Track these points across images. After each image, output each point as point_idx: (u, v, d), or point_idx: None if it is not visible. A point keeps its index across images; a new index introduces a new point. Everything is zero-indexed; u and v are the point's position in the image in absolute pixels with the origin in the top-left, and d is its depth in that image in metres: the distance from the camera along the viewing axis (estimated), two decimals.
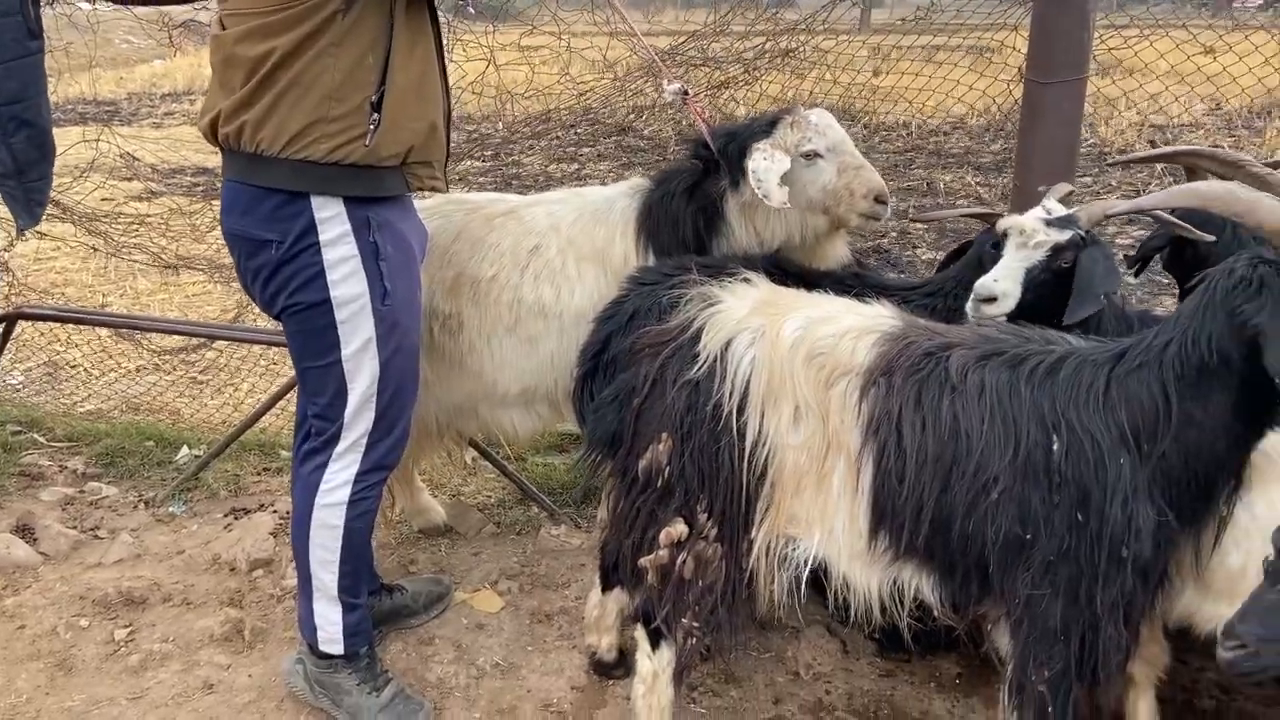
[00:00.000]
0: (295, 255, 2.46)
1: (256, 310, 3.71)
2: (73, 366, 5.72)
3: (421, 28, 2.50)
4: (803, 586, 2.41)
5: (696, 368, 2.40)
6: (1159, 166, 7.01)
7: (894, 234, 7.20)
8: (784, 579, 2.44)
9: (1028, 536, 2.18)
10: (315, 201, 2.43)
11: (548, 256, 3.02)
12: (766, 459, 2.37)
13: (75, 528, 3.91)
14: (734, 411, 2.36)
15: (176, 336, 5.08)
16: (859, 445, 2.29)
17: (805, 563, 2.40)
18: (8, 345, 4.51)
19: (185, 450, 4.47)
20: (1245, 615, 1.71)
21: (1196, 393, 2.05)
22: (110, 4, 4.07)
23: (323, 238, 2.44)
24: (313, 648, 2.82)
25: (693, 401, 2.40)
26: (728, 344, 2.40)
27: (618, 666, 2.99)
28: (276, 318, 2.63)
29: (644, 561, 2.49)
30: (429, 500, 3.79)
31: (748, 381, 2.36)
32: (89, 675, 3.08)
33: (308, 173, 2.41)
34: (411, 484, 3.73)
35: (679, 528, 2.44)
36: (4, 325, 4.31)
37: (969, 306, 2.58)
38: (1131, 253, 2.98)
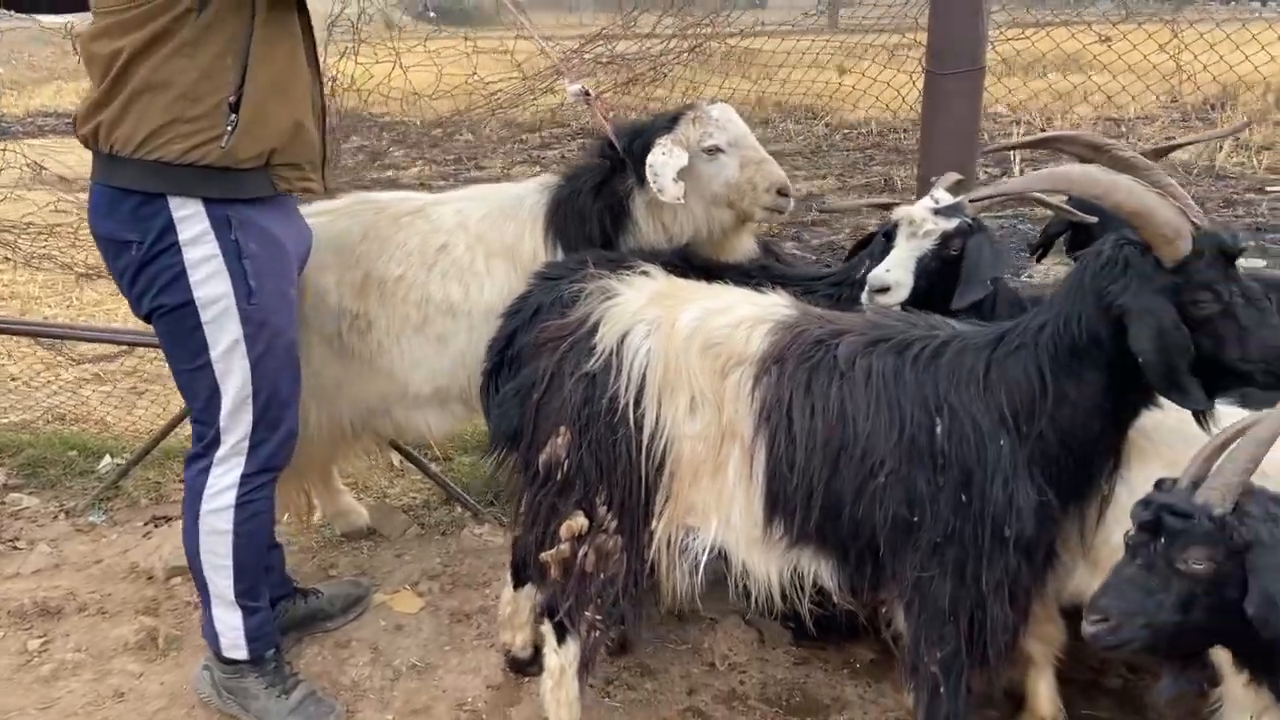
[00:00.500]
0: (156, 256, 2.43)
1: None
2: (13, 379, 5.62)
3: (287, 27, 2.47)
4: (700, 575, 2.42)
5: (593, 360, 2.41)
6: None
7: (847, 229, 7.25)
8: (685, 569, 2.46)
9: (915, 519, 2.21)
10: (173, 201, 2.40)
11: (455, 254, 3.02)
12: (664, 450, 2.39)
13: None
14: (631, 403, 2.38)
15: (109, 345, 5.01)
16: (752, 433, 2.31)
17: (704, 552, 2.42)
18: None
19: (108, 459, 4.41)
20: (1107, 589, 1.74)
21: (1070, 373, 2.09)
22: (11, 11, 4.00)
23: (182, 237, 2.41)
24: (217, 654, 2.79)
25: (589, 394, 2.41)
26: (624, 336, 2.41)
27: (533, 663, 2.98)
28: (146, 320, 2.60)
29: (545, 556, 2.50)
30: (350, 503, 3.77)
31: (644, 373, 2.38)
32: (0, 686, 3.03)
33: (163, 174, 2.38)
34: (332, 487, 3.71)
35: (579, 521, 2.45)
36: None
37: (864, 297, 2.61)
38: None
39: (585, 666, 2.59)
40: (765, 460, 2.30)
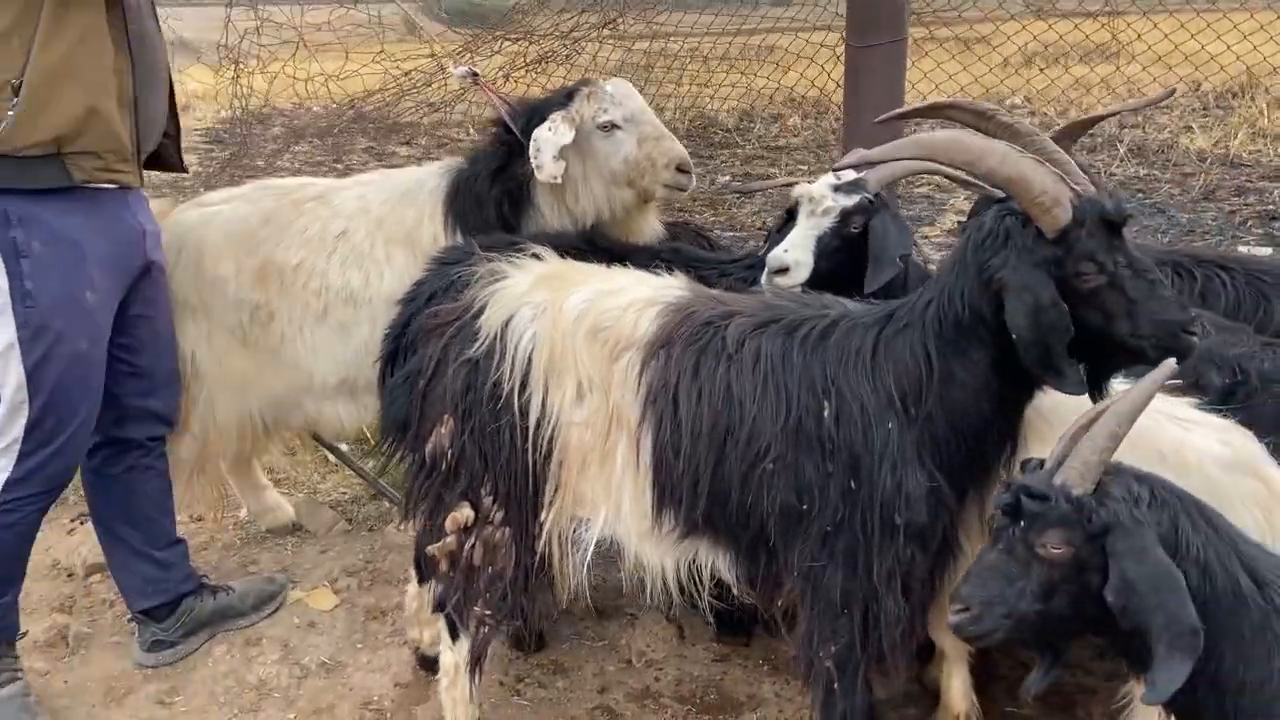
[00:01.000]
0: None
1: None
2: None
3: (86, 8, 2.33)
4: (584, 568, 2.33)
5: (476, 345, 2.32)
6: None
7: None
8: (577, 563, 2.37)
9: (804, 507, 2.11)
10: None
11: (355, 240, 2.93)
12: (551, 437, 2.29)
13: None
14: (515, 389, 2.28)
15: None
16: (638, 419, 2.21)
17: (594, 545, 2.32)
18: None
19: None
20: (969, 576, 1.64)
21: (956, 351, 1.99)
22: None
23: None
24: None
25: (471, 380, 2.32)
26: (508, 320, 2.32)
27: None
28: None
29: (432, 549, 2.41)
30: (274, 499, 3.68)
31: (529, 357, 2.28)
32: None
33: None
34: (255, 483, 3.62)
35: (465, 512, 2.36)
36: None
37: (763, 279, 2.51)
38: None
39: (477, 663, 2.50)
40: (651, 447, 2.20)
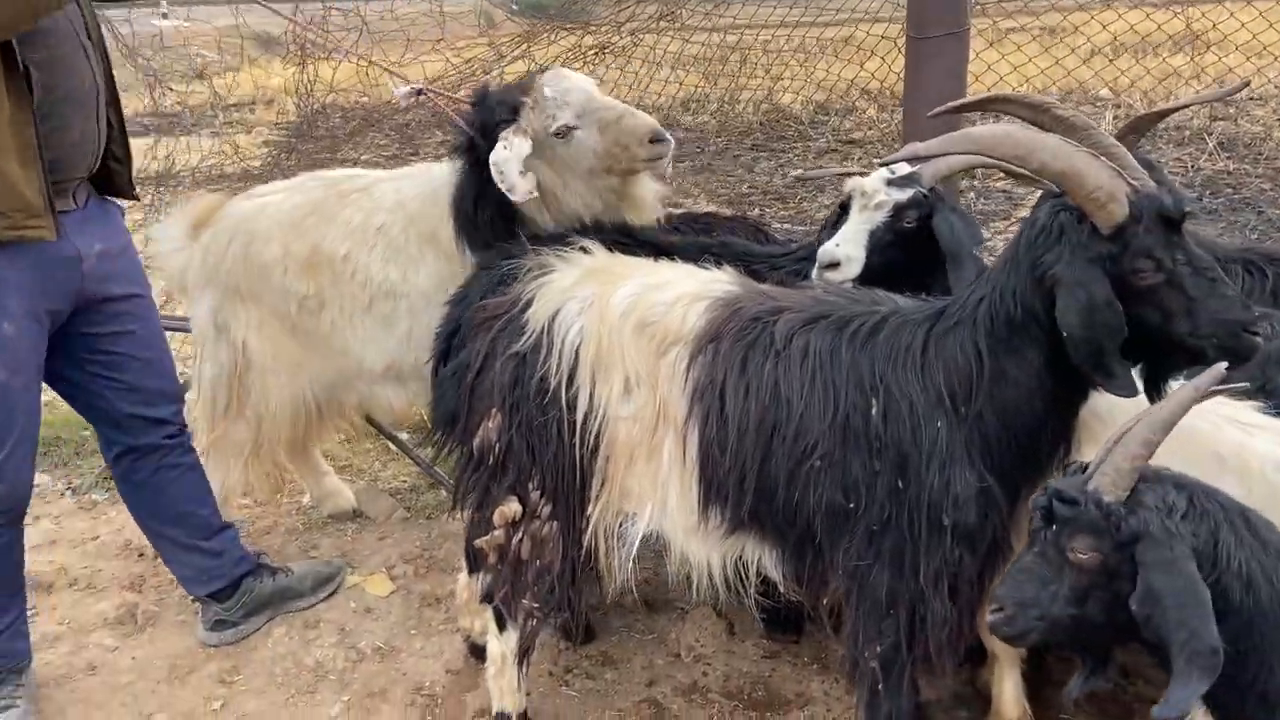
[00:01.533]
0: None
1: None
2: None
3: None
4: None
5: (523, 340, 2.33)
6: None
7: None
8: (624, 557, 2.37)
9: (850, 505, 2.08)
10: None
11: (392, 235, 2.94)
12: (598, 432, 2.30)
13: None
14: (562, 384, 2.29)
15: None
16: (685, 415, 2.21)
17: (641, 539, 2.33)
18: None
19: None
20: (1006, 578, 1.62)
21: (1009, 349, 1.94)
22: None
23: None
24: None
25: (519, 374, 2.33)
26: (555, 314, 2.32)
27: None
28: None
29: (480, 542, 2.43)
30: (335, 484, 3.76)
31: (576, 352, 2.29)
32: None
33: None
34: (316, 469, 3.71)
35: (513, 506, 2.37)
36: None
37: (814, 274, 2.48)
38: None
39: (525, 654, 2.53)
40: (698, 443, 2.20)
